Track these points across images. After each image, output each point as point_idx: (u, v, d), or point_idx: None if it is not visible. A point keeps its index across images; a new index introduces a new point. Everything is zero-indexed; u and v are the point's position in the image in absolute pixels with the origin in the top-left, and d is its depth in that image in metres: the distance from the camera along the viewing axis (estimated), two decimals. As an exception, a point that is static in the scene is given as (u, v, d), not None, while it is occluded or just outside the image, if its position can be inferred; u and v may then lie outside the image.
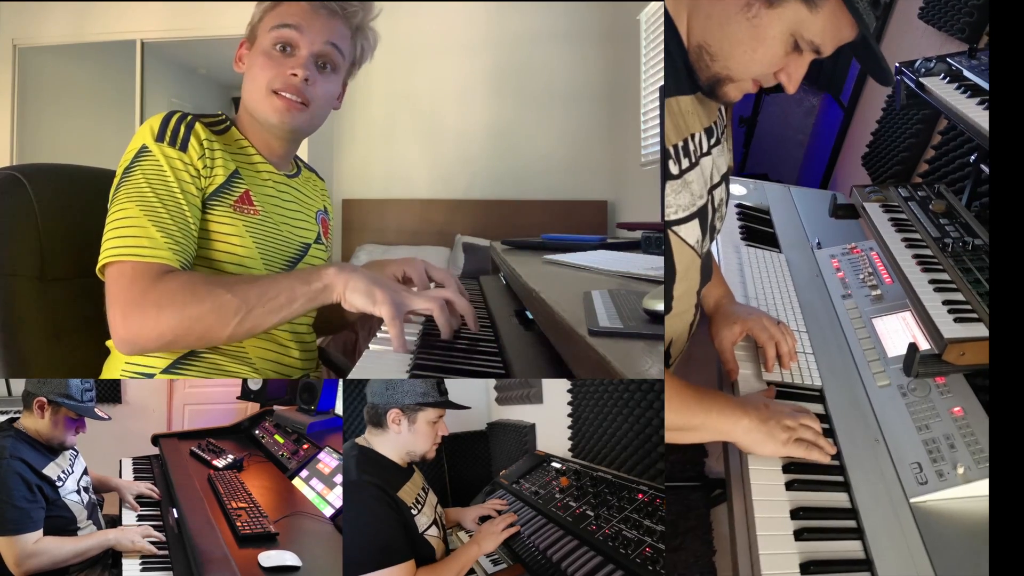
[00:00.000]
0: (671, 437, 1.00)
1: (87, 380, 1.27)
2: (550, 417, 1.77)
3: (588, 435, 1.55)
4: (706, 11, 0.91)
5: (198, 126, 1.10)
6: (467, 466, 2.13)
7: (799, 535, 0.87)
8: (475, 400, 2.18)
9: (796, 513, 0.91)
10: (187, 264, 1.03)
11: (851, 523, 0.90)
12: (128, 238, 0.99)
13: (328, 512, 1.30)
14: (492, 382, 2.11)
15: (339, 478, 1.39)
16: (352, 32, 1.21)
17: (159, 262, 0.99)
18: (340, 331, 1.50)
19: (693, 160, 0.99)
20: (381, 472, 1.06)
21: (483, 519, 1.37)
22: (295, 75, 1.13)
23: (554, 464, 1.58)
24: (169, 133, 1.07)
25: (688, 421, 0.99)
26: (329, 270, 1.01)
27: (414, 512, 1.05)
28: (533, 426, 1.86)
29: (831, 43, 0.90)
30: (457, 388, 1.13)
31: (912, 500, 0.91)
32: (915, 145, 1.86)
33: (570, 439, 1.65)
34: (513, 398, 2.01)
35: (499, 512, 1.37)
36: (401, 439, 1.10)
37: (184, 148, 1.07)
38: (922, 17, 1.87)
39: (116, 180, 1.07)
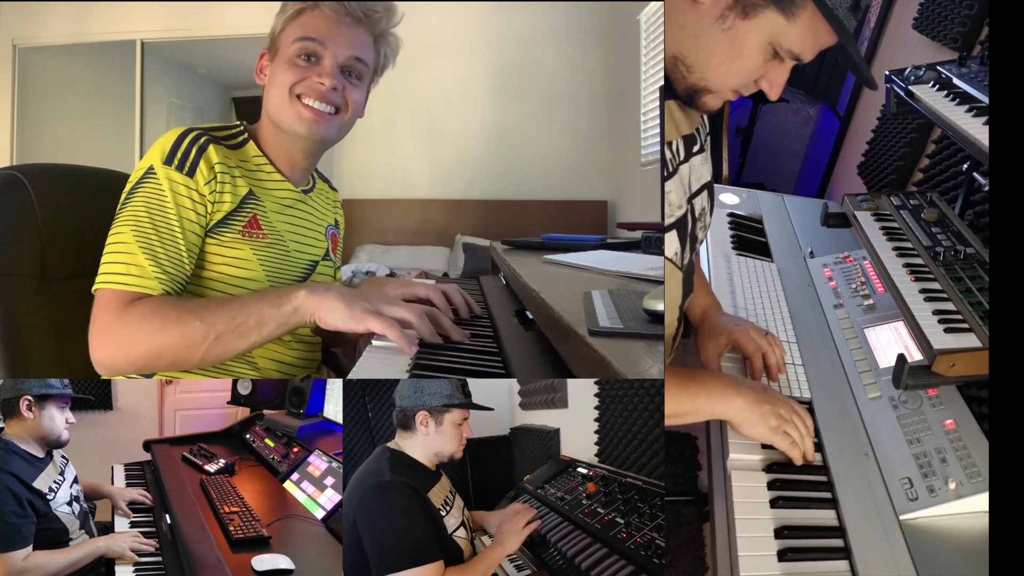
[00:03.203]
0: (666, 422, 1.01)
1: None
2: (574, 421, 1.74)
3: (616, 440, 1.51)
4: (679, 22, 0.89)
5: (211, 149, 1.07)
6: (490, 471, 2.10)
7: (783, 555, 0.85)
8: (498, 405, 2.15)
9: (780, 532, 0.88)
10: (175, 293, 1.03)
11: (838, 542, 0.88)
12: (118, 264, 1.00)
13: (320, 514, 1.31)
14: (516, 387, 2.08)
15: (330, 480, 1.40)
16: (375, 39, 1.18)
17: (142, 291, 0.99)
18: (347, 344, 1.49)
19: (671, 169, 0.98)
20: (412, 473, 1.08)
21: None
22: (322, 83, 1.10)
23: (580, 469, 1.55)
24: (179, 156, 1.05)
25: (676, 408, 0.99)
26: (300, 292, 1.00)
27: (443, 513, 1.07)
28: (557, 431, 1.83)
29: (811, 50, 0.88)
30: (480, 392, 1.13)
31: (902, 517, 0.89)
32: (909, 154, 1.85)
33: (596, 444, 1.61)
34: (537, 403, 1.98)
35: None
36: (429, 440, 1.11)
37: (191, 174, 1.04)
38: (916, 27, 1.87)
39: (123, 196, 1.06)
